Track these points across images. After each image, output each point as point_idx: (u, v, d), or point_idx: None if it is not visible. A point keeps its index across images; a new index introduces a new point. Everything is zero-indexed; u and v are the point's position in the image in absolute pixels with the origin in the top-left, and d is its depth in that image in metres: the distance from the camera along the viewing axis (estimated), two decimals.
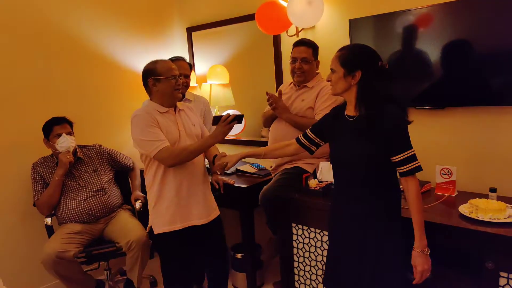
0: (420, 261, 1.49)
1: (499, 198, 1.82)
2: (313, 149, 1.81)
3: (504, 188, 1.97)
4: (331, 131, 1.68)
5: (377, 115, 1.48)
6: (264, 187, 2.30)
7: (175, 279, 2.08)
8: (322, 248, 2.09)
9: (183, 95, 2.56)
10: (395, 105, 1.51)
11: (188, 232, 1.99)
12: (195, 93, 2.80)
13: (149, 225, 2.03)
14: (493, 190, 1.85)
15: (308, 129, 1.79)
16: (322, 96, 2.26)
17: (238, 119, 1.89)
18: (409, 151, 1.48)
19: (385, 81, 1.53)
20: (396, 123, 1.48)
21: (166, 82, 1.92)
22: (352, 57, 1.53)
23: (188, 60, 2.62)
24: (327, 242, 2.06)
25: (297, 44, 2.32)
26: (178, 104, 2.05)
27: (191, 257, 2.10)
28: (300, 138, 1.81)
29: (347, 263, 1.61)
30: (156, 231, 1.98)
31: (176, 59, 2.50)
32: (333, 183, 2.17)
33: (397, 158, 1.49)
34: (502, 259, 1.53)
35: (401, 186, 1.58)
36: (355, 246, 1.58)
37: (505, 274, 1.53)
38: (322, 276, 2.11)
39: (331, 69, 1.57)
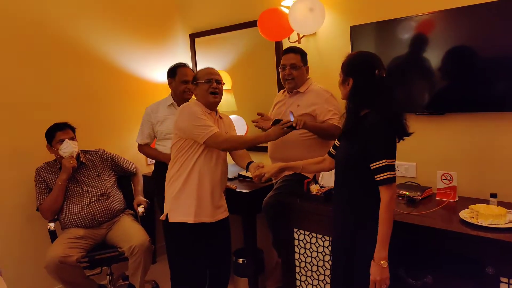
0: (374, 271, 1.51)
1: (500, 204, 1.82)
2: None
3: (505, 193, 1.97)
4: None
5: (357, 123, 1.56)
6: (266, 197, 2.32)
7: (181, 272, 2.20)
8: (324, 253, 2.09)
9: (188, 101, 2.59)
10: (380, 115, 1.52)
11: (198, 229, 2.06)
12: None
13: (165, 213, 2.11)
14: (493, 195, 1.85)
15: (336, 140, 1.82)
16: (325, 102, 2.30)
17: (292, 127, 2.03)
18: (383, 161, 1.48)
19: (378, 90, 1.55)
20: (373, 133, 1.51)
21: (201, 85, 2.10)
22: (346, 65, 1.61)
23: (190, 66, 2.64)
24: (329, 247, 2.07)
25: (286, 51, 2.39)
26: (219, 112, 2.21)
27: (196, 254, 2.14)
28: (330, 150, 1.85)
29: (337, 264, 1.70)
30: (171, 219, 2.07)
31: (182, 66, 2.57)
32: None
33: (373, 166, 1.51)
34: (502, 264, 1.53)
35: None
36: (343, 247, 1.65)
37: (505, 280, 1.54)
38: (324, 281, 2.12)
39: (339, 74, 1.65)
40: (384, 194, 1.50)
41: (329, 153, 1.86)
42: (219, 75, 2.16)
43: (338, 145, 1.76)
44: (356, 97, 1.58)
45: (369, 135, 1.51)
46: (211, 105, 2.12)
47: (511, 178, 2.01)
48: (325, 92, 2.33)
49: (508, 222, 1.65)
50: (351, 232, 1.61)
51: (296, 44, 2.65)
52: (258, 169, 1.99)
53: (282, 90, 2.54)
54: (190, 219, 2.03)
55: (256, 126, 2.30)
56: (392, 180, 1.49)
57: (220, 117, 2.19)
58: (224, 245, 2.26)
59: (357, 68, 1.58)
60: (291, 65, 2.32)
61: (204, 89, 2.08)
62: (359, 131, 1.55)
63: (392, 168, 1.49)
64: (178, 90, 2.56)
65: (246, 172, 2.13)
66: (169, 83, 2.62)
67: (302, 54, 2.37)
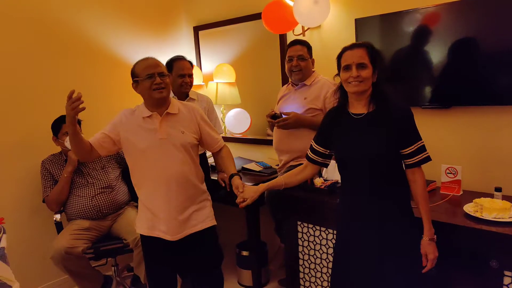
0: (431, 249, 1.53)
1: (504, 198, 1.82)
2: (327, 163, 1.78)
3: (510, 187, 1.97)
4: (334, 134, 1.65)
5: (390, 110, 1.53)
6: None
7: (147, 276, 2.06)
8: (327, 246, 2.10)
9: (187, 95, 2.59)
10: (399, 100, 1.56)
11: (159, 242, 1.89)
12: (200, 92, 2.82)
13: None
14: (498, 189, 1.85)
15: (313, 143, 1.76)
16: (331, 94, 2.29)
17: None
18: (420, 142, 1.53)
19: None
20: (408, 114, 1.53)
21: (142, 83, 1.81)
22: (376, 55, 1.55)
23: (189, 59, 2.60)
24: (333, 241, 2.07)
25: (292, 43, 2.38)
26: (172, 108, 1.88)
27: (158, 268, 2.00)
28: (310, 155, 1.77)
29: (363, 263, 1.58)
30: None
31: (179, 59, 2.53)
32: (338, 181, 2.20)
33: (408, 149, 1.52)
34: (506, 258, 1.54)
35: None
36: (373, 245, 1.55)
37: (509, 273, 1.54)
38: (327, 273, 2.13)
39: (362, 64, 1.51)
40: (420, 174, 1.55)
41: (310, 159, 1.77)
42: (160, 66, 1.83)
43: (343, 143, 1.62)
44: (380, 84, 1.57)
45: (405, 118, 1.52)
46: (158, 102, 1.82)
47: None
48: (332, 84, 2.33)
49: None
50: (394, 220, 1.54)
51: (301, 37, 2.64)
52: (239, 195, 1.80)
53: (286, 84, 2.54)
54: (143, 231, 1.91)
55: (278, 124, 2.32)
56: (429, 158, 1.55)
57: (170, 114, 1.86)
58: (200, 259, 2.01)
59: (379, 56, 1.58)
60: (299, 56, 2.32)
61: (146, 86, 1.79)
62: (390, 118, 1.52)
63: (425, 148, 1.55)
64: (176, 84, 2.51)
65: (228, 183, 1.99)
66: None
67: (308, 46, 2.37)
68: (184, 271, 2.20)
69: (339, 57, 1.58)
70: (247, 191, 1.80)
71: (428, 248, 1.53)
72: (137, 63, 1.86)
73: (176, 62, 2.52)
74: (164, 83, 1.81)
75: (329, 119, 1.70)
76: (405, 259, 1.54)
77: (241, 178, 1.90)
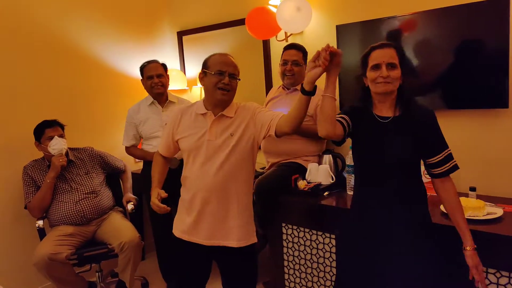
0: (477, 259, 1.47)
1: (478, 197, 1.91)
2: (346, 131, 1.55)
3: (484, 186, 2.06)
4: (359, 128, 1.56)
5: (415, 114, 1.48)
6: (260, 176, 2.27)
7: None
8: (311, 247, 2.15)
9: (166, 97, 2.62)
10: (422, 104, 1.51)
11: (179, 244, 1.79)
12: (184, 97, 2.83)
13: None
14: (472, 189, 1.93)
15: (340, 114, 1.59)
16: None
17: None
18: (448, 150, 1.50)
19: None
20: (432, 120, 1.48)
21: (210, 77, 1.70)
22: (404, 56, 1.50)
23: (172, 63, 2.65)
24: (316, 241, 2.12)
25: (288, 47, 2.41)
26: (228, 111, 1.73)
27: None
28: (339, 118, 1.56)
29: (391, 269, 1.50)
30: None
31: (148, 63, 2.60)
32: (321, 183, 2.25)
33: (435, 159, 1.48)
34: (481, 255, 1.59)
35: None
36: (402, 249, 1.49)
37: (483, 269, 1.61)
38: (312, 274, 2.17)
39: (392, 63, 1.45)
40: (451, 182, 1.51)
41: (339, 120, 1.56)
42: (235, 66, 1.71)
43: (368, 144, 1.54)
44: (405, 86, 1.51)
45: (425, 126, 1.47)
46: (217, 103, 1.70)
47: (489, 172, 2.10)
48: (323, 92, 2.37)
49: (487, 214, 1.73)
50: (419, 232, 1.51)
51: (284, 43, 2.69)
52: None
53: (277, 86, 2.57)
54: (177, 233, 1.80)
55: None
56: (457, 167, 1.51)
57: (225, 116, 1.71)
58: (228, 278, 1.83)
59: (406, 58, 1.55)
60: (293, 62, 2.36)
61: (212, 82, 1.67)
62: (420, 124, 1.47)
63: (452, 156, 1.50)
64: (147, 87, 2.59)
65: None
66: (142, 84, 2.65)
67: (304, 52, 2.41)
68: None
69: (366, 56, 1.51)
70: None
71: (475, 259, 1.47)
72: (213, 54, 1.74)
73: (145, 67, 2.59)
74: (231, 86, 1.69)
75: (358, 111, 1.58)
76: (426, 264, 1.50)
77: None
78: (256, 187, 2.26)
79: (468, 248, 1.47)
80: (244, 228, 1.73)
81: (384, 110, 1.52)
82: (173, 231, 1.82)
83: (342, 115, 1.57)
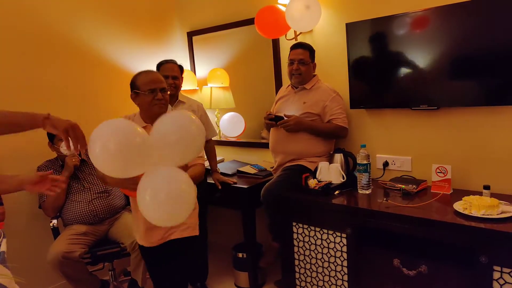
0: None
1: (492, 195, 1.87)
2: None
3: (497, 185, 2.03)
4: None
5: None
6: (266, 184, 2.34)
7: None
8: (322, 246, 2.14)
9: (177, 97, 2.62)
10: None
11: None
12: (194, 97, 2.84)
13: None
14: (486, 187, 1.90)
15: None
16: (331, 101, 2.35)
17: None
18: None
19: None
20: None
21: (143, 97, 1.79)
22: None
23: (182, 63, 2.64)
24: (327, 240, 2.11)
25: (295, 47, 2.41)
26: None
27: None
28: None
29: None
30: None
31: (166, 62, 2.58)
32: (332, 182, 2.24)
33: None
34: (495, 253, 1.58)
35: None
36: None
37: (498, 268, 1.59)
38: (323, 273, 2.17)
39: None
40: None
41: None
42: (162, 81, 1.81)
43: None
44: None
45: None
46: (155, 116, 1.64)
47: (503, 170, 2.07)
48: (332, 91, 2.38)
49: (501, 213, 1.70)
50: None
51: (293, 41, 2.68)
52: None
53: (286, 85, 2.58)
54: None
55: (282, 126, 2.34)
56: None
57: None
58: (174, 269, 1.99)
59: None
60: (300, 60, 2.36)
61: (147, 101, 1.78)
62: None
63: None
64: None
65: None
66: None
67: (310, 50, 2.42)
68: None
69: None
70: None
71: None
72: (139, 74, 1.84)
73: (162, 65, 2.59)
74: (165, 99, 1.81)
75: None
76: None
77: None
78: (263, 196, 2.29)
79: None
80: None
81: None
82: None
83: None
